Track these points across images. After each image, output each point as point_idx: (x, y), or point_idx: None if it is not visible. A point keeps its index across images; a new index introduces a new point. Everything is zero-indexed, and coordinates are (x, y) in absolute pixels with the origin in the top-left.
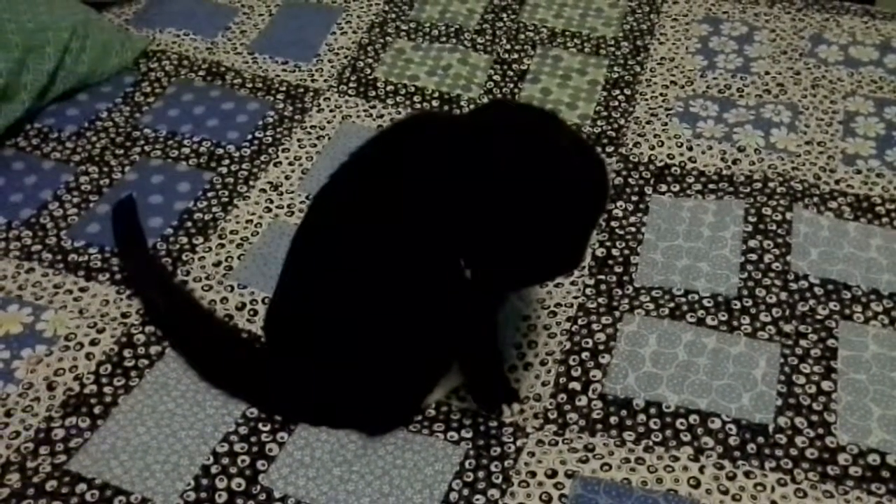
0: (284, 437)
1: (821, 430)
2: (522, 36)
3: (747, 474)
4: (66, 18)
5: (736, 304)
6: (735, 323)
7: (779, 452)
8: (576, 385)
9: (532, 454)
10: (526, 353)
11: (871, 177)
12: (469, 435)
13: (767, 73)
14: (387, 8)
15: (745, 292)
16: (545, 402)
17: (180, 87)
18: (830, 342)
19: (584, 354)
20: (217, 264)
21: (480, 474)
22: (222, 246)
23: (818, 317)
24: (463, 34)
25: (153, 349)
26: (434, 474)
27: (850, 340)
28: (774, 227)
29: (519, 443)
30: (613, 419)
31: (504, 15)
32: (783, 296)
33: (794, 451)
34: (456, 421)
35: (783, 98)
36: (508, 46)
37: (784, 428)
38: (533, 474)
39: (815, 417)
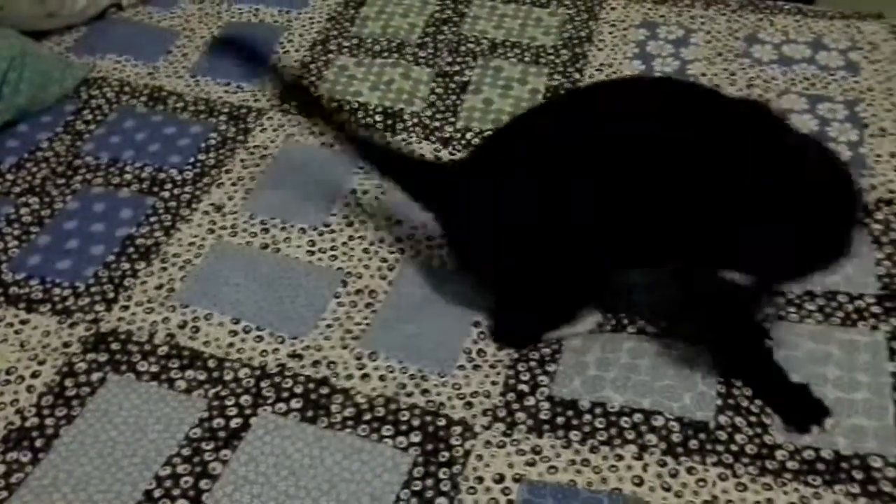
0: (228, 454)
1: (759, 430)
2: (463, 48)
3: (689, 470)
4: (2, 49)
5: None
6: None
7: (720, 448)
8: (524, 387)
9: (480, 457)
10: (475, 358)
11: None
12: (418, 439)
13: (703, 74)
14: (329, 25)
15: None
16: (494, 399)
17: (122, 113)
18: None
19: (532, 363)
20: (159, 287)
21: (429, 482)
22: (164, 269)
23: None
24: (405, 49)
25: (94, 376)
26: (382, 486)
27: (785, 340)
28: None
29: (468, 445)
30: (560, 419)
31: (445, 28)
32: None
33: (734, 448)
34: (405, 423)
35: None
36: (450, 59)
37: (724, 425)
38: (480, 479)
39: (752, 418)
